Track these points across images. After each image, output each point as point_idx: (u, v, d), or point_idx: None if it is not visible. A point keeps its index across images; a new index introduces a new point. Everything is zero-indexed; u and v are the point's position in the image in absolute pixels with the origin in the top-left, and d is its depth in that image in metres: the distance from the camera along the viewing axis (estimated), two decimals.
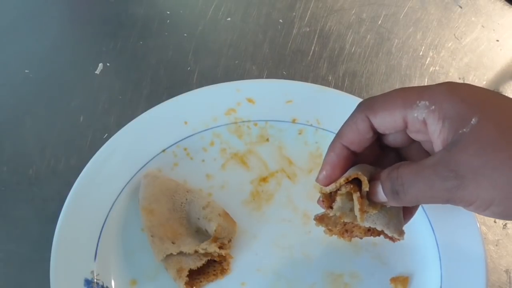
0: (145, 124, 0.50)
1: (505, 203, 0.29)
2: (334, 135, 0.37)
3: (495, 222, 0.50)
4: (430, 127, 0.32)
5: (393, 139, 0.36)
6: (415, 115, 0.32)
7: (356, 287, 0.45)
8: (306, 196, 0.49)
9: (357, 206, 0.34)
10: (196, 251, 0.44)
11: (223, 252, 0.44)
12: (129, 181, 0.48)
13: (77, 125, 0.54)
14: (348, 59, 0.60)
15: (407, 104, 0.33)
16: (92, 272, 0.44)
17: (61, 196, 0.46)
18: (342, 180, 0.34)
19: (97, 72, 0.58)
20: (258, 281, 0.46)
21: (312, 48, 0.60)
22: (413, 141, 0.36)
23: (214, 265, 0.46)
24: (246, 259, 0.46)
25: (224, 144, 0.51)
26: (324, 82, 0.58)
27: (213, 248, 0.44)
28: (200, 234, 0.47)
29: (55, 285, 0.42)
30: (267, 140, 0.52)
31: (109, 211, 0.46)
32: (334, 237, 0.47)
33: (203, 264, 0.44)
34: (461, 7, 0.64)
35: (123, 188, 0.47)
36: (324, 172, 0.36)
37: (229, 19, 0.62)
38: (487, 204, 0.29)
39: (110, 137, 0.49)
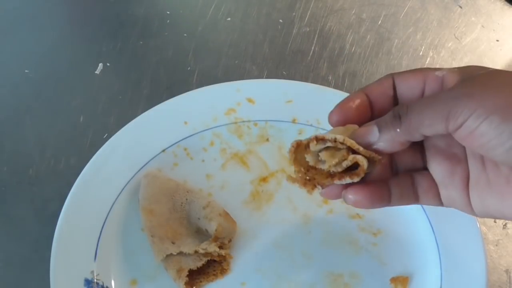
0: (145, 124, 0.50)
1: (506, 111, 0.29)
2: None
3: (495, 222, 0.50)
4: (446, 82, 0.33)
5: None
6: (436, 73, 0.34)
7: (356, 287, 0.45)
8: (306, 196, 0.49)
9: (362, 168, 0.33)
10: (196, 251, 0.44)
11: (223, 252, 0.44)
12: (129, 181, 0.48)
13: (77, 125, 0.54)
14: (348, 59, 0.60)
15: (430, 69, 0.35)
16: (92, 272, 0.44)
17: (61, 196, 0.46)
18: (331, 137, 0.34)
19: (97, 72, 0.58)
20: (258, 281, 0.45)
21: (312, 48, 0.60)
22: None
23: (214, 265, 0.46)
24: (246, 259, 0.46)
25: (224, 144, 0.51)
26: (324, 82, 0.58)
27: (213, 248, 0.44)
28: (200, 234, 0.47)
29: (55, 285, 0.42)
30: (267, 140, 0.52)
31: (109, 211, 0.46)
32: (334, 237, 0.48)
33: (203, 264, 0.44)
34: (461, 7, 0.64)
35: (123, 188, 0.47)
36: (337, 110, 0.36)
37: (229, 19, 0.62)
38: (488, 112, 0.29)
39: (110, 137, 0.49)
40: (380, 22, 0.62)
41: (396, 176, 0.36)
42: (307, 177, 0.35)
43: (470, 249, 0.45)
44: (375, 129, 0.33)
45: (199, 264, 0.44)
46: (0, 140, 0.54)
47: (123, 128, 0.49)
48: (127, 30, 0.61)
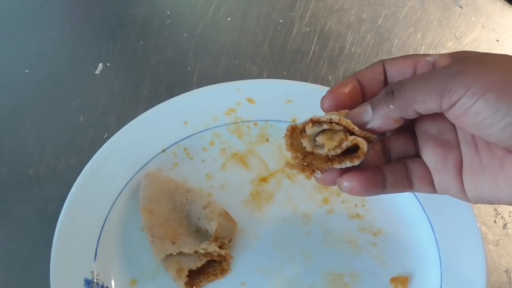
0: (145, 124, 0.50)
1: (502, 89, 0.28)
2: None
3: (495, 222, 0.50)
4: (438, 65, 0.33)
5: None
6: (427, 58, 0.34)
7: (356, 287, 0.45)
8: (306, 196, 0.49)
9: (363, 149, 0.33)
10: (196, 251, 0.44)
11: (223, 252, 0.44)
12: (129, 181, 0.48)
13: (77, 125, 0.54)
14: (348, 59, 0.60)
15: (421, 55, 0.35)
16: (92, 272, 0.44)
17: (61, 196, 0.46)
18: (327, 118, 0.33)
19: (97, 72, 0.58)
20: (258, 281, 0.46)
21: (312, 48, 0.60)
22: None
23: (214, 265, 0.46)
24: (246, 259, 0.46)
25: (224, 144, 0.51)
26: (324, 82, 0.58)
27: (213, 248, 0.44)
28: (200, 234, 0.47)
29: (55, 285, 0.42)
30: (267, 140, 0.52)
31: (109, 211, 0.46)
32: (334, 237, 0.48)
33: (203, 264, 0.44)
34: (461, 7, 0.64)
35: (123, 188, 0.48)
36: (329, 95, 0.36)
37: (229, 19, 0.62)
38: (484, 89, 0.29)
39: (110, 137, 0.49)
40: (380, 22, 0.62)
41: (390, 163, 0.36)
42: (305, 163, 0.35)
43: (470, 249, 0.45)
44: (368, 108, 0.33)
45: (199, 264, 0.44)
46: (0, 140, 0.54)
47: (123, 128, 0.49)
48: (127, 30, 0.61)
